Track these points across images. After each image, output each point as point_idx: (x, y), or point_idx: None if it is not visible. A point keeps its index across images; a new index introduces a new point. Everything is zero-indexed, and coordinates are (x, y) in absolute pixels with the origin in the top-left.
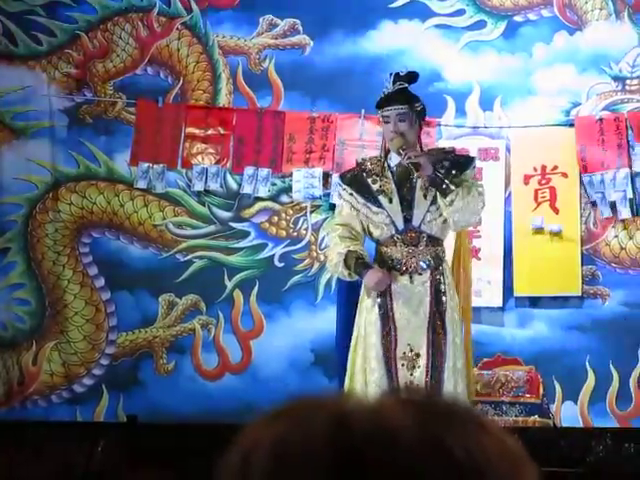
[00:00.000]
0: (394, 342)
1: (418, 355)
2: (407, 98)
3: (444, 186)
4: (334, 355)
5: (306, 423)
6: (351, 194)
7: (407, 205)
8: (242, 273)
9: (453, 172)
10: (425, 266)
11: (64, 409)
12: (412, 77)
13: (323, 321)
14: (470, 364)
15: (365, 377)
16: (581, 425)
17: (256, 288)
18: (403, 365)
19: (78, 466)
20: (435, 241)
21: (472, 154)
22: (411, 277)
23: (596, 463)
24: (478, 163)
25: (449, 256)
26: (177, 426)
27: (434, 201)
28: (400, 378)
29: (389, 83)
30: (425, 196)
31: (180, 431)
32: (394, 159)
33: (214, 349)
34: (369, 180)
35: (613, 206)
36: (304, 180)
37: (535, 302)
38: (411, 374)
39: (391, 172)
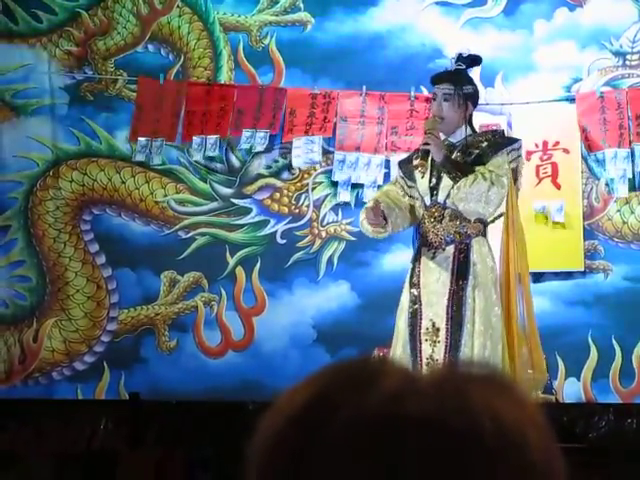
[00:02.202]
0: (419, 318)
1: (438, 330)
2: (457, 79)
3: (452, 174)
4: (336, 332)
5: (357, 399)
6: (399, 169)
7: (435, 181)
8: (244, 250)
9: (486, 154)
10: (449, 241)
11: (65, 387)
12: (474, 60)
13: (325, 298)
14: (530, 336)
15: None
16: (584, 401)
17: (258, 265)
18: (426, 340)
19: (80, 444)
20: (463, 217)
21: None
22: (435, 252)
23: (599, 439)
24: None
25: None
26: (179, 403)
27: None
28: (423, 353)
29: (451, 63)
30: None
31: (182, 408)
32: (441, 137)
33: (216, 326)
34: (414, 156)
35: (613, 183)
36: (304, 146)
37: (537, 277)
38: (432, 350)
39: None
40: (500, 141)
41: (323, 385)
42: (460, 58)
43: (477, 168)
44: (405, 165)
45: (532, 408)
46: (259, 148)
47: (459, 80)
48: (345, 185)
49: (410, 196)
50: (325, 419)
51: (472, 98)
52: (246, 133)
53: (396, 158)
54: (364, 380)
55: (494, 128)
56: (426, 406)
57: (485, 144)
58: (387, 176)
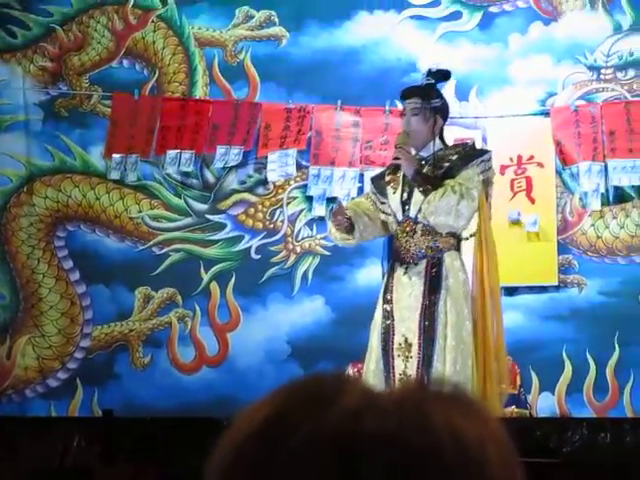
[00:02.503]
0: (392, 334)
1: (411, 345)
2: (425, 93)
3: (422, 189)
4: (311, 347)
5: (317, 416)
6: (374, 193)
7: (407, 196)
8: (218, 265)
9: (456, 167)
10: (421, 256)
11: (38, 404)
12: (443, 75)
13: (299, 313)
14: (498, 350)
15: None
16: (558, 416)
17: (233, 280)
18: (399, 356)
19: (53, 461)
20: (435, 232)
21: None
22: (407, 268)
23: (572, 453)
24: None
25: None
26: (153, 420)
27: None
28: (396, 369)
29: (422, 78)
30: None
31: (156, 425)
32: (412, 151)
33: (191, 342)
34: (387, 172)
35: (586, 197)
36: (279, 160)
37: (511, 292)
38: (405, 365)
39: None
40: (470, 153)
41: (283, 402)
42: (429, 73)
43: (447, 181)
44: (377, 181)
45: (494, 424)
46: (233, 164)
47: (427, 94)
48: (320, 200)
49: (383, 212)
50: (284, 436)
51: (441, 112)
52: (220, 150)
53: (370, 173)
54: (324, 397)
55: (465, 141)
56: (385, 423)
57: (455, 157)
58: (361, 190)
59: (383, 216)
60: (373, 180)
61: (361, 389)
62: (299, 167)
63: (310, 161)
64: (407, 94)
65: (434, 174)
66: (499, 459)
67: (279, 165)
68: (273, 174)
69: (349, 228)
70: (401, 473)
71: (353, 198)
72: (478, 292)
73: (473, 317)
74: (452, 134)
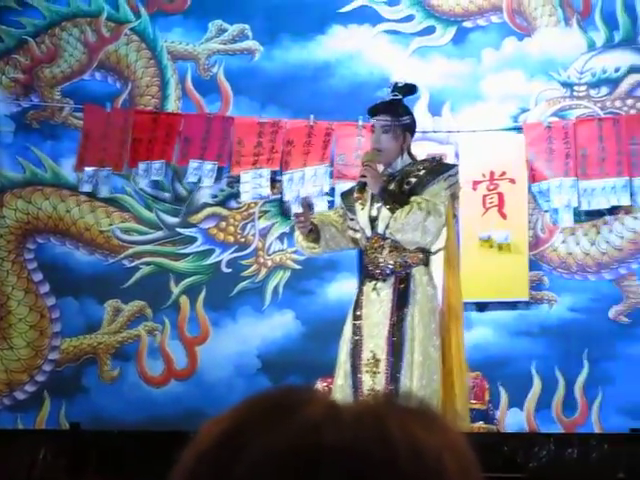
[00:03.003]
0: (360, 349)
1: (378, 361)
2: (394, 109)
3: (389, 206)
4: (281, 361)
5: (274, 430)
6: (342, 207)
7: (375, 213)
8: (189, 279)
9: (422, 182)
10: (389, 272)
11: (5, 416)
12: (410, 89)
13: (270, 327)
14: (459, 367)
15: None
16: (526, 431)
17: (203, 294)
18: (367, 372)
19: (19, 474)
20: (403, 247)
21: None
22: (376, 284)
23: (539, 468)
24: None
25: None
26: (121, 433)
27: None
28: (364, 385)
29: (387, 92)
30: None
31: (124, 438)
32: (380, 166)
33: (160, 355)
34: (356, 188)
35: (557, 214)
36: (252, 181)
37: (482, 307)
38: (373, 381)
39: None
40: (437, 168)
41: (243, 415)
42: (396, 87)
43: (413, 198)
44: (346, 198)
45: (454, 436)
46: (207, 182)
47: (396, 111)
48: (296, 201)
49: (352, 228)
50: (243, 448)
51: (410, 129)
52: (193, 164)
53: (342, 186)
54: (285, 409)
55: (432, 156)
56: (344, 435)
57: (423, 172)
58: (333, 197)
59: (352, 232)
60: (343, 196)
61: (323, 402)
62: (272, 182)
63: (282, 169)
64: (376, 111)
65: (401, 190)
66: (458, 470)
67: (252, 186)
68: (246, 195)
69: (315, 237)
70: (357, 479)
71: (327, 194)
72: (446, 307)
73: (441, 332)
74: (424, 149)
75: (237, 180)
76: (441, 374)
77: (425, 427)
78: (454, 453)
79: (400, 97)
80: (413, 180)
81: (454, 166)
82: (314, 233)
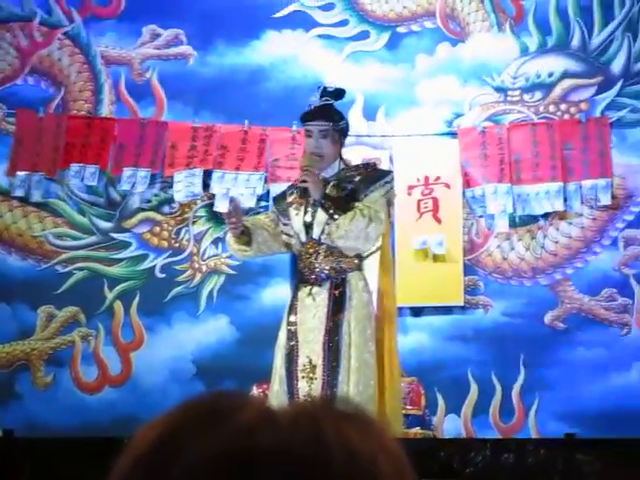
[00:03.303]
0: (296, 355)
1: (315, 367)
2: (331, 115)
3: (330, 212)
4: (216, 366)
5: (208, 434)
6: (275, 212)
7: (310, 218)
8: (123, 284)
9: (360, 189)
10: (324, 277)
11: None
12: (340, 93)
13: (205, 332)
14: (393, 372)
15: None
16: (463, 437)
17: (137, 299)
18: (303, 377)
19: None
20: (338, 253)
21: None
22: (311, 289)
23: (475, 473)
24: None
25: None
26: (55, 440)
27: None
28: (300, 391)
29: (316, 96)
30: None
31: (58, 445)
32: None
33: (94, 361)
34: (288, 193)
35: (493, 219)
36: (185, 180)
37: (417, 312)
38: (309, 387)
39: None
40: (373, 175)
41: (178, 419)
42: (327, 92)
43: (356, 205)
44: (280, 202)
45: (389, 440)
46: (140, 188)
47: (333, 116)
48: (224, 198)
49: (285, 233)
50: (178, 452)
51: (345, 133)
52: (127, 172)
53: (277, 188)
54: (220, 414)
55: (366, 162)
56: (278, 438)
57: (358, 178)
58: (267, 194)
59: (285, 237)
60: (275, 200)
61: (258, 406)
62: (205, 186)
63: (214, 167)
64: (312, 116)
65: (338, 196)
66: (393, 474)
67: (185, 185)
68: (179, 194)
69: (247, 239)
70: None
71: (259, 196)
72: (381, 313)
73: (376, 337)
74: (359, 154)
75: (170, 185)
76: (377, 379)
77: (360, 431)
78: (389, 457)
79: (332, 102)
80: (349, 186)
81: (390, 172)
82: (246, 236)
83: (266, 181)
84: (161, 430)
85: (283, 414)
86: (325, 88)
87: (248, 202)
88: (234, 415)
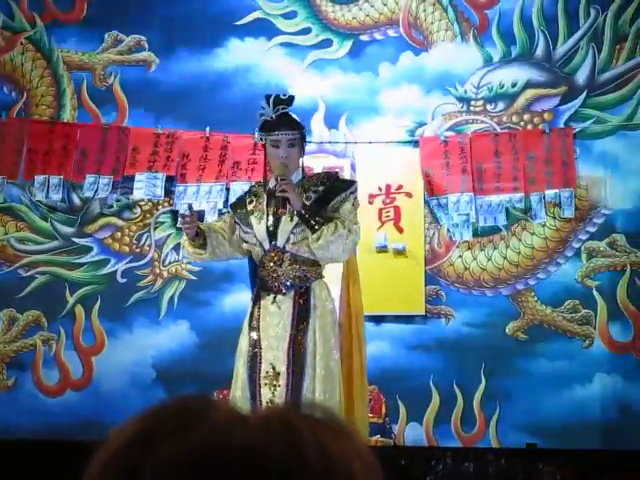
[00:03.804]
0: (259, 361)
1: (279, 374)
2: (296, 123)
3: (311, 222)
4: (176, 371)
5: (181, 433)
6: (229, 211)
7: (274, 225)
8: (84, 289)
9: (328, 199)
10: (289, 285)
11: None
12: (291, 100)
13: (165, 337)
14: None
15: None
16: (424, 445)
17: (98, 304)
18: (266, 384)
19: None
20: (302, 261)
21: (334, 170)
22: (275, 297)
23: None
24: None
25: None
26: (17, 443)
27: (298, 224)
28: (263, 397)
29: (267, 105)
30: (291, 218)
31: (20, 448)
32: (272, 181)
33: (55, 365)
34: (247, 200)
35: (455, 228)
36: (146, 180)
37: (378, 321)
38: (272, 394)
39: (268, 193)
40: (339, 185)
41: (151, 419)
42: (280, 100)
43: (335, 216)
44: (239, 210)
45: (360, 444)
46: (102, 194)
47: (297, 124)
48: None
49: (246, 241)
50: (152, 449)
51: (305, 141)
52: (89, 179)
53: (237, 186)
54: (192, 414)
55: (327, 171)
56: (252, 437)
57: (322, 187)
58: (226, 204)
59: (246, 245)
60: (234, 208)
61: (227, 407)
62: (167, 192)
63: (177, 180)
64: (278, 125)
65: (318, 207)
66: (365, 475)
67: (146, 184)
68: (139, 192)
69: (201, 242)
70: None
71: (220, 211)
72: (345, 321)
73: (341, 345)
74: (321, 162)
75: (132, 191)
76: (343, 387)
77: (331, 433)
78: (362, 462)
79: (287, 110)
80: (312, 195)
81: (354, 182)
82: (200, 238)
83: (228, 192)
84: (135, 429)
85: (254, 416)
86: (277, 96)
87: (210, 217)
88: (206, 415)
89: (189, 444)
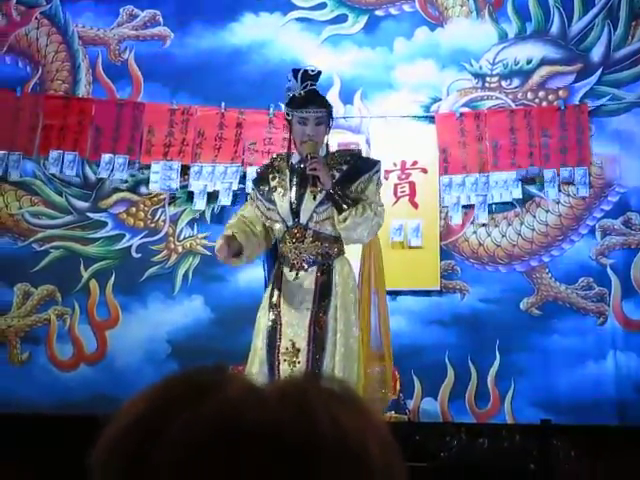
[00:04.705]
0: (279, 337)
1: (298, 350)
2: (324, 101)
3: (340, 203)
4: (191, 347)
5: (197, 405)
6: (253, 189)
7: (297, 202)
8: (98, 263)
9: (352, 179)
10: (311, 262)
11: None
12: (318, 75)
13: (180, 313)
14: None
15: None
16: (438, 422)
17: (112, 279)
18: (285, 360)
19: None
20: (324, 238)
21: (356, 148)
22: (297, 273)
23: (450, 457)
24: None
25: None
26: (31, 417)
27: (322, 202)
28: (282, 373)
29: (296, 81)
30: (314, 197)
31: (35, 422)
32: (295, 157)
33: (69, 339)
34: (270, 177)
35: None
36: (162, 172)
37: (394, 296)
38: (291, 370)
39: (291, 169)
40: (362, 165)
41: (164, 392)
42: (308, 76)
43: (362, 198)
44: (261, 186)
45: (375, 420)
46: (118, 175)
47: (326, 103)
48: (201, 195)
49: (269, 218)
50: (165, 424)
51: (333, 119)
52: (105, 158)
53: (253, 170)
54: (206, 387)
55: (352, 148)
56: (265, 414)
57: (345, 167)
58: (243, 192)
59: (268, 222)
60: (256, 184)
61: (242, 380)
62: (182, 168)
63: (192, 161)
64: (306, 102)
65: (343, 187)
66: (379, 452)
67: (162, 177)
68: (155, 185)
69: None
70: (280, 458)
71: (234, 192)
72: (365, 296)
73: (359, 322)
74: (336, 138)
75: (147, 167)
76: (362, 365)
77: (349, 410)
78: (377, 437)
79: (316, 86)
80: (337, 174)
81: (378, 162)
82: (236, 250)
83: (243, 176)
84: (149, 402)
85: (270, 390)
86: (306, 71)
87: (224, 199)
88: (220, 389)
89: (201, 417)
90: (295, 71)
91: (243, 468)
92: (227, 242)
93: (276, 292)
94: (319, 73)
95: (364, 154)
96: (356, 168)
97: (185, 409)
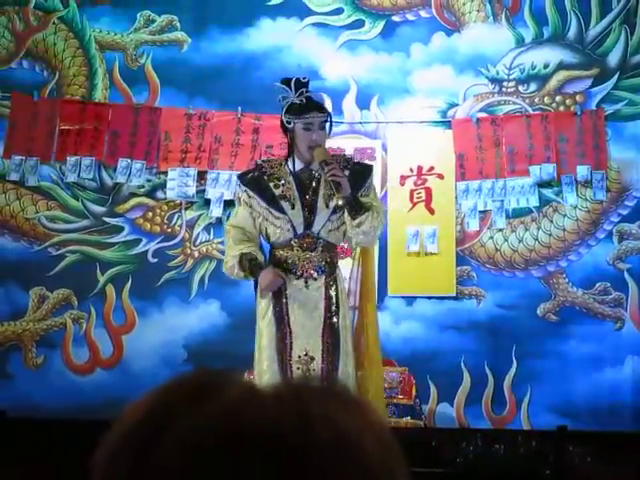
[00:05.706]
0: (289, 346)
1: (313, 358)
2: (324, 107)
3: (357, 208)
4: (207, 351)
5: (196, 410)
6: (251, 197)
7: (309, 211)
8: (115, 268)
9: (353, 184)
10: (320, 271)
11: None
12: (308, 84)
13: (196, 318)
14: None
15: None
16: (454, 427)
17: (129, 283)
18: (299, 368)
19: None
20: (330, 247)
21: (348, 153)
22: (306, 282)
23: (466, 463)
24: None
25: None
26: (47, 421)
27: (335, 211)
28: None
29: (290, 89)
30: (327, 205)
31: (50, 426)
32: (297, 164)
33: (85, 343)
34: (271, 184)
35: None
36: (179, 179)
37: (410, 302)
38: (306, 377)
39: (293, 177)
40: (364, 170)
41: (167, 394)
42: (301, 84)
43: (372, 203)
44: (259, 190)
45: (374, 420)
46: (136, 181)
47: (324, 108)
48: (217, 202)
49: (272, 224)
50: (167, 425)
51: (331, 124)
52: (122, 163)
53: None
54: (208, 390)
55: (343, 154)
56: (264, 417)
57: (347, 172)
58: None
59: (271, 228)
60: (251, 187)
61: (243, 385)
62: (199, 173)
63: (208, 166)
64: (311, 109)
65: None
66: (378, 452)
67: (179, 184)
68: (172, 192)
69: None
70: (278, 460)
71: None
72: (365, 301)
73: (356, 327)
74: (352, 143)
75: (164, 172)
76: (363, 368)
77: (346, 410)
78: (375, 437)
79: (311, 93)
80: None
81: (372, 166)
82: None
83: None
84: (152, 403)
85: (268, 393)
86: (298, 79)
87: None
88: (220, 393)
89: (201, 420)
90: (287, 80)
91: (242, 470)
92: (278, 275)
93: (283, 300)
94: (309, 81)
95: (380, 160)
96: (357, 173)
97: (185, 412)
